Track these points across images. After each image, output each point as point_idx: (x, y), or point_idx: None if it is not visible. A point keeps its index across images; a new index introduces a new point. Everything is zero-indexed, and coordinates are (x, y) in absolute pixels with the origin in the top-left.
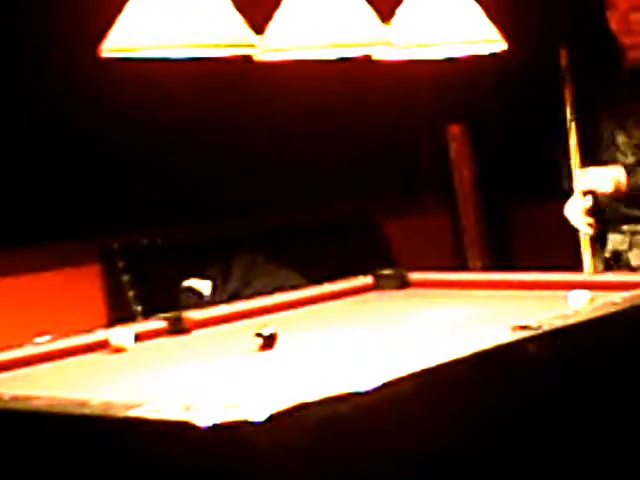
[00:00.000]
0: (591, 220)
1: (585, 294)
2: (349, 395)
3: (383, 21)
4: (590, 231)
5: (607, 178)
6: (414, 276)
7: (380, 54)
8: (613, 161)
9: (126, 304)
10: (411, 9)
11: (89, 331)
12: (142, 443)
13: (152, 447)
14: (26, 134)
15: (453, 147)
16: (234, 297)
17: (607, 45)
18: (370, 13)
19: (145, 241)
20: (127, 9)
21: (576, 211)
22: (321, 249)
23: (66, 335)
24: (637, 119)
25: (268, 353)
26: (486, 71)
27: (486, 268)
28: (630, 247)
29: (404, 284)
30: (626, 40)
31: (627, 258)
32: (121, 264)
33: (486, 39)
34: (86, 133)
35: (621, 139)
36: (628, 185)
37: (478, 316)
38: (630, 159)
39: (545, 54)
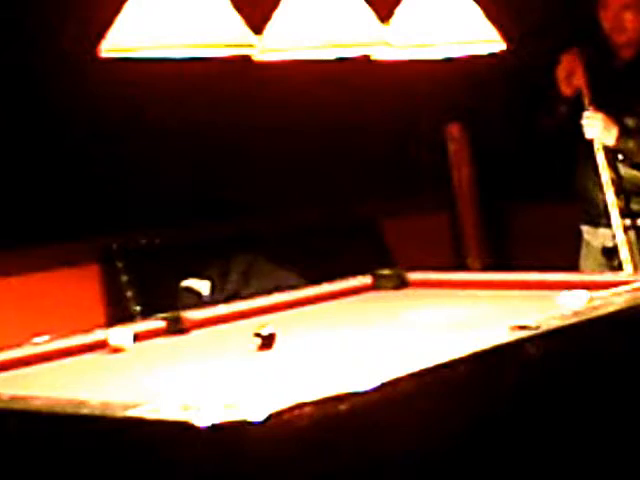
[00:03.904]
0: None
1: (574, 294)
2: (348, 395)
3: (382, 21)
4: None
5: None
6: (413, 276)
7: (379, 54)
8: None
9: (125, 304)
10: (410, 9)
11: (88, 331)
12: (141, 443)
13: (151, 447)
14: (26, 134)
15: (452, 147)
16: (233, 297)
17: (601, 42)
18: (369, 13)
19: (144, 241)
20: (126, 9)
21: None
22: (320, 249)
23: (65, 335)
24: (631, 109)
25: (267, 353)
26: (485, 71)
27: (485, 268)
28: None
29: (403, 284)
30: (619, 38)
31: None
32: (120, 264)
33: (485, 39)
34: (85, 133)
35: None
36: (617, 145)
37: (477, 316)
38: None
39: (544, 54)
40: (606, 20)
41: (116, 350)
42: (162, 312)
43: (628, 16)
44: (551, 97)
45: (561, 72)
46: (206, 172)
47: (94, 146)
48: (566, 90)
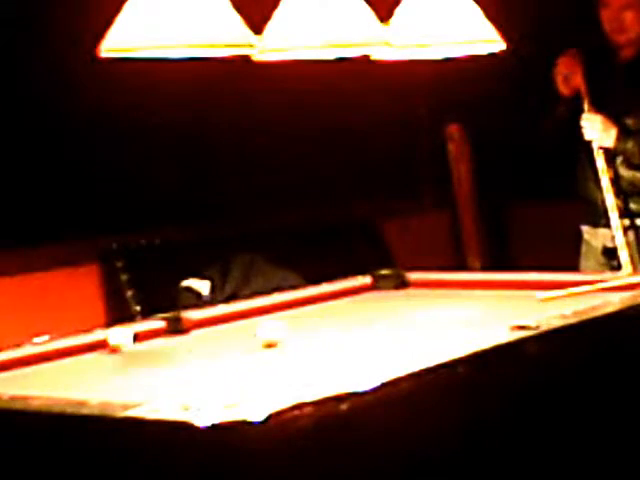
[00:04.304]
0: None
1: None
2: (348, 395)
3: (382, 21)
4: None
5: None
6: (413, 276)
7: (378, 54)
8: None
9: (125, 304)
10: (410, 9)
11: (88, 331)
12: (140, 443)
13: (151, 447)
14: (25, 134)
15: (451, 147)
16: (233, 297)
17: (601, 43)
18: (369, 13)
19: (144, 241)
20: (126, 9)
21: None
22: (320, 249)
23: (65, 335)
24: (631, 109)
25: (267, 353)
26: (484, 71)
27: (484, 268)
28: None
29: (403, 284)
30: (619, 38)
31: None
32: (120, 264)
33: (485, 39)
34: (85, 133)
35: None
36: (615, 146)
37: (477, 316)
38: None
39: (543, 54)
40: (606, 20)
41: (116, 350)
42: (162, 312)
43: (629, 16)
44: (550, 98)
45: (559, 73)
46: (206, 172)
47: (94, 146)
48: (564, 91)
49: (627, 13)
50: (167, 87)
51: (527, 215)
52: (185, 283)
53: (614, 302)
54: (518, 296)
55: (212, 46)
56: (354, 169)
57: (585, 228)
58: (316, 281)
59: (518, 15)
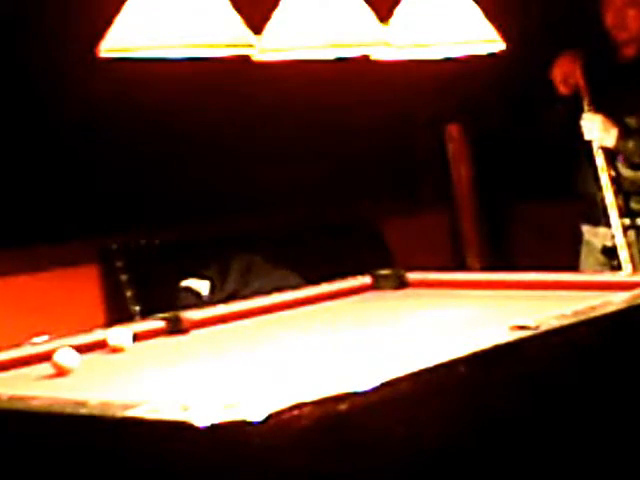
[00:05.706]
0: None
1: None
2: (347, 395)
3: (381, 21)
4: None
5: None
6: (412, 276)
7: (378, 54)
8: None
9: (124, 304)
10: (409, 9)
11: (87, 331)
12: (140, 443)
13: (150, 447)
14: (25, 134)
15: (451, 147)
16: (232, 297)
17: (602, 42)
18: (368, 13)
19: (143, 241)
20: (126, 9)
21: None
22: (319, 249)
23: (64, 335)
24: (632, 109)
25: (266, 353)
26: (484, 71)
27: (484, 268)
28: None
29: (402, 284)
30: (621, 35)
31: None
32: (119, 264)
33: (485, 39)
34: (85, 133)
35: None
36: (616, 146)
37: (476, 316)
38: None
39: (544, 53)
40: (608, 17)
41: (116, 350)
42: (161, 312)
43: (631, 13)
44: (548, 97)
45: (558, 72)
46: (205, 172)
47: (93, 146)
48: (563, 90)
49: (630, 10)
50: (167, 87)
51: (527, 215)
52: (185, 283)
53: (614, 302)
54: (518, 296)
55: (212, 46)
56: (354, 169)
57: (585, 227)
58: (316, 281)
59: (518, 15)
